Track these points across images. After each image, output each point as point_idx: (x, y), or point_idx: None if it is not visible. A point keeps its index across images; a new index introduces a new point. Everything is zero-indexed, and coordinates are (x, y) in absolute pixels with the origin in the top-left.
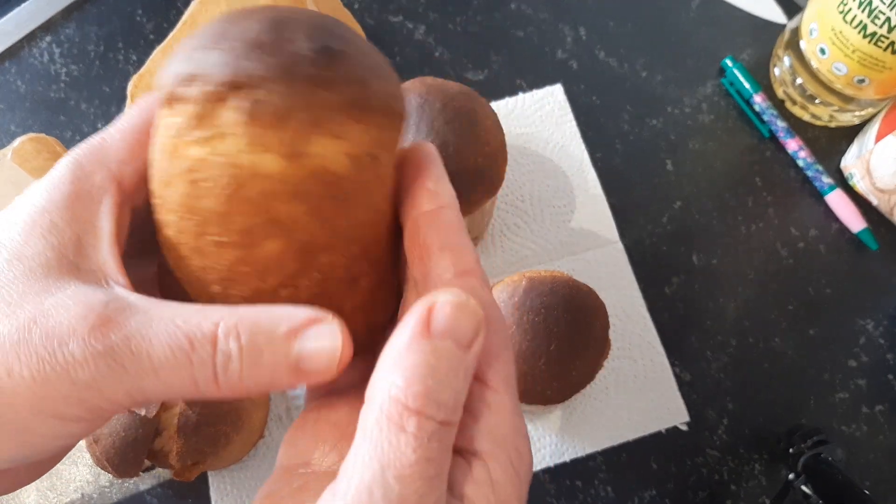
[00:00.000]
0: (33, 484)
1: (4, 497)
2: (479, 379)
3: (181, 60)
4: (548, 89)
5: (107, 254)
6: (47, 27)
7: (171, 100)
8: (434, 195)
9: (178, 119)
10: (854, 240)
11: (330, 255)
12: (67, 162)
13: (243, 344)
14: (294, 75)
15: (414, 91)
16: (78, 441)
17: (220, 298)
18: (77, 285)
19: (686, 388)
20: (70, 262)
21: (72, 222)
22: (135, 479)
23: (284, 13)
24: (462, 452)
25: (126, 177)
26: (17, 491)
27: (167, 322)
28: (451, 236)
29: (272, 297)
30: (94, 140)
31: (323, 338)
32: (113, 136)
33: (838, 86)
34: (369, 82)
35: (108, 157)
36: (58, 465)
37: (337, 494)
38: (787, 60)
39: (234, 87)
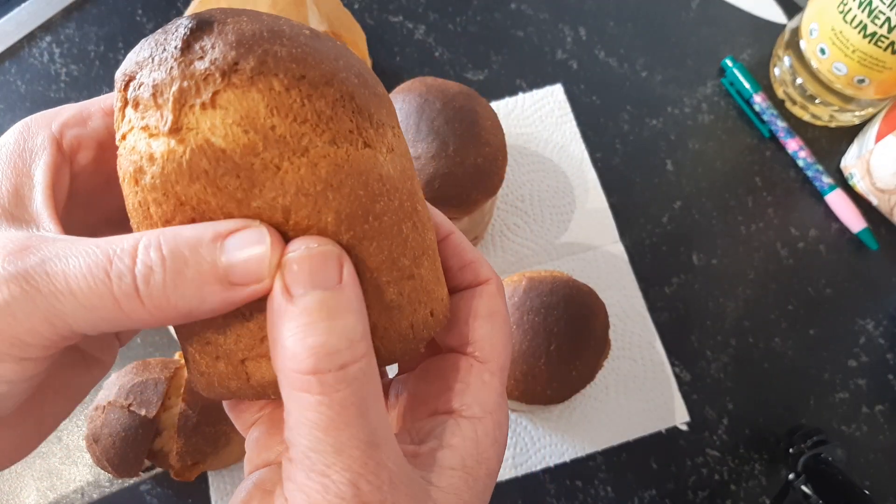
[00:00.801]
0: (33, 484)
1: (4, 496)
2: (481, 361)
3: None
4: (548, 89)
5: (40, 204)
6: (47, 27)
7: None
8: (439, 226)
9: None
10: (854, 240)
11: None
12: (19, 124)
13: (165, 254)
14: (165, 52)
15: (414, 91)
16: (22, 393)
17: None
18: (7, 229)
19: (686, 388)
20: (6, 210)
21: (11, 176)
22: (135, 479)
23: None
24: (454, 413)
25: (66, 138)
26: (17, 491)
27: (87, 244)
28: (466, 255)
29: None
30: (51, 109)
31: (250, 242)
32: (69, 106)
33: (838, 86)
34: (257, 46)
35: (53, 121)
36: (58, 466)
37: (293, 462)
38: (787, 60)
39: (128, 79)
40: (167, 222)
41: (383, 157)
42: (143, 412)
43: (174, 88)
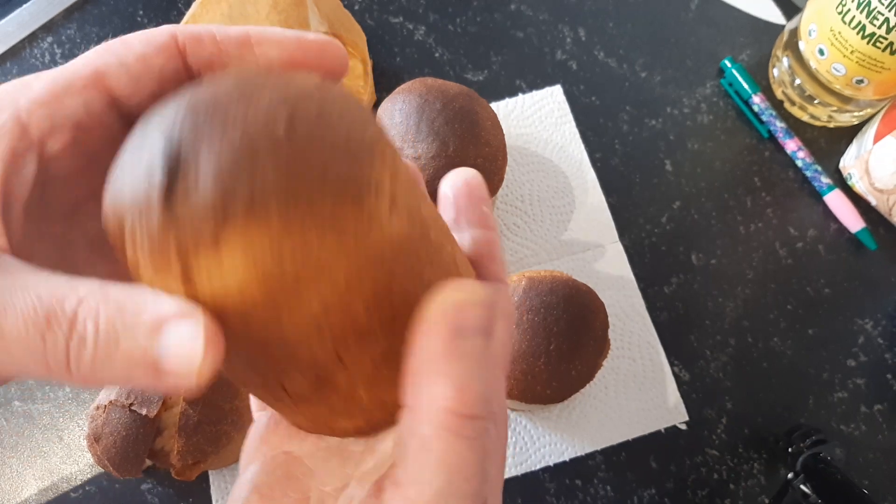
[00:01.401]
0: (34, 483)
1: (5, 495)
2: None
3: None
4: (547, 90)
5: None
6: (48, 28)
7: None
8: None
9: None
10: (853, 240)
11: (301, 350)
12: None
13: (100, 329)
14: (149, 207)
15: (414, 91)
16: None
17: (253, 392)
18: None
19: (685, 388)
20: None
21: None
22: (136, 478)
23: (172, 98)
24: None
25: (35, 119)
26: (18, 489)
27: (30, 292)
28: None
29: (282, 389)
30: (27, 77)
31: (183, 337)
32: (42, 76)
33: (837, 86)
34: (241, 180)
35: (19, 95)
36: (59, 465)
37: (410, 500)
38: (785, 61)
39: (119, 222)
40: None
41: (387, 218)
42: (144, 411)
43: (174, 247)
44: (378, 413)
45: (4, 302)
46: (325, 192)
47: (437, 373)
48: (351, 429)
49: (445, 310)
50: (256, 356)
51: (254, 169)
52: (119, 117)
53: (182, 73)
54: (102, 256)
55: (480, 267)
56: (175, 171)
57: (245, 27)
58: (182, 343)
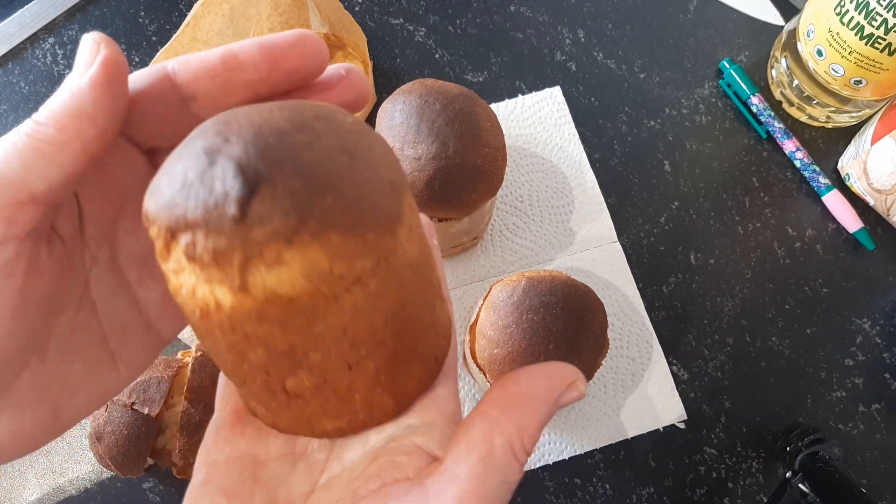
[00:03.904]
0: (35, 482)
1: (6, 494)
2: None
3: (150, 190)
4: (547, 91)
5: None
6: (50, 28)
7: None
8: None
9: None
10: (851, 240)
11: (318, 353)
12: None
13: None
14: (220, 218)
15: (414, 92)
16: (11, 314)
17: (242, 388)
18: None
19: (684, 387)
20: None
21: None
22: (137, 476)
23: (224, 128)
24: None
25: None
26: (19, 488)
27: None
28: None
29: (282, 387)
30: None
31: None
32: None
33: (835, 87)
34: (313, 206)
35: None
36: (60, 463)
37: (454, 478)
38: (784, 62)
39: (174, 230)
40: (231, 346)
41: (408, 242)
42: (145, 410)
43: (238, 256)
44: (362, 414)
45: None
46: (372, 222)
47: (528, 409)
48: (332, 429)
49: (564, 379)
50: (277, 354)
51: (323, 197)
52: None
53: (174, 94)
54: None
55: None
56: (252, 189)
57: (224, 46)
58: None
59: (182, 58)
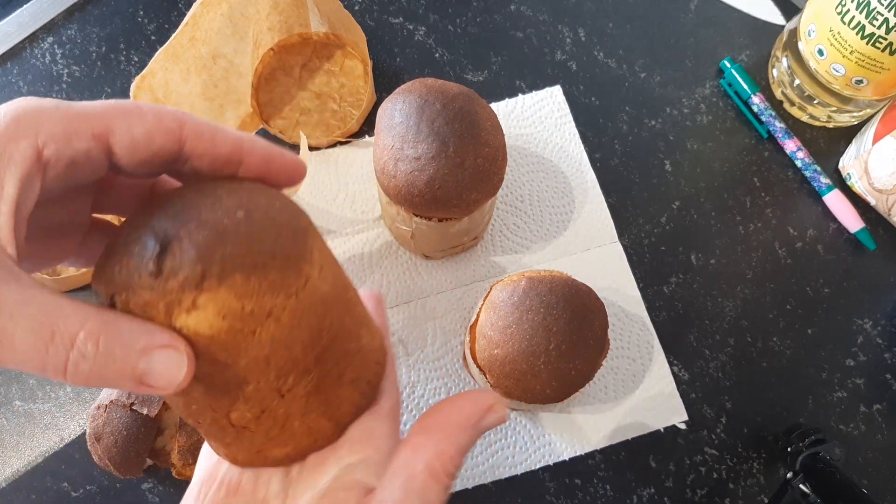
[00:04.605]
0: (35, 483)
1: (5, 494)
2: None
3: (95, 271)
4: (547, 90)
5: (3, 218)
6: (49, 28)
7: None
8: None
9: None
10: (852, 239)
11: (250, 385)
12: (4, 114)
13: (100, 350)
14: (142, 277)
15: (414, 92)
16: None
17: (200, 429)
18: None
19: (684, 387)
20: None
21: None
22: (136, 477)
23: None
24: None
25: (47, 151)
26: (20, 489)
27: (37, 307)
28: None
29: (228, 421)
30: (47, 103)
31: (172, 363)
32: (58, 111)
33: (836, 87)
34: (214, 254)
35: (40, 128)
36: (59, 464)
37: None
38: (785, 61)
39: (110, 296)
40: None
41: (318, 279)
42: (144, 411)
43: (162, 306)
44: (305, 439)
45: (15, 312)
46: (274, 263)
47: (449, 437)
48: (282, 456)
49: (483, 406)
50: (215, 390)
51: (223, 247)
52: (107, 163)
53: (176, 155)
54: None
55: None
56: (163, 253)
57: (240, 134)
58: (169, 366)
59: (198, 129)
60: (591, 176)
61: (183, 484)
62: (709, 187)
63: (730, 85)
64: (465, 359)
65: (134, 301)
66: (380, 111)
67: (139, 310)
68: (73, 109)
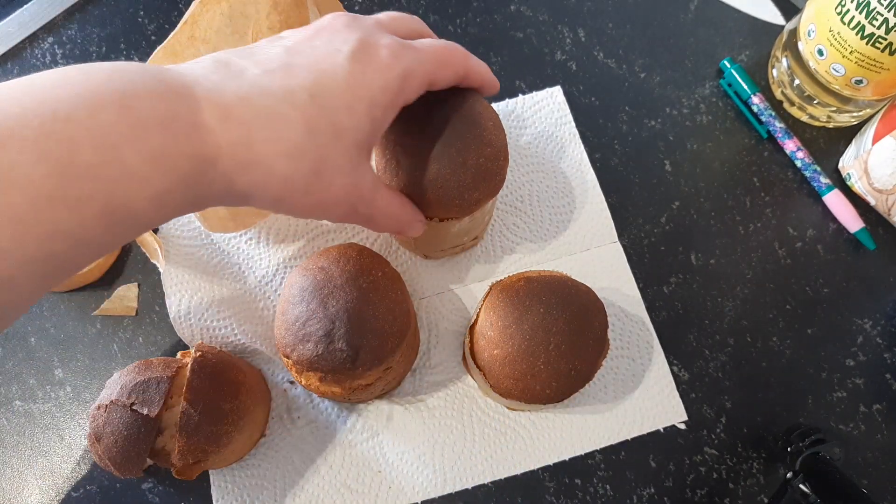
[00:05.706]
0: (35, 482)
1: (6, 495)
2: None
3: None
4: (547, 91)
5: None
6: (49, 28)
7: None
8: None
9: None
10: (852, 240)
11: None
12: (398, 75)
13: (386, 213)
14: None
15: None
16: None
17: None
18: (366, 167)
19: (684, 387)
20: (369, 144)
21: (389, 116)
22: (136, 477)
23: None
24: None
25: (408, 98)
26: (19, 489)
27: (394, 206)
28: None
29: None
30: (415, 66)
31: (421, 227)
32: (416, 64)
33: (836, 87)
34: (375, 351)
35: (427, 63)
36: (59, 464)
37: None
38: (785, 61)
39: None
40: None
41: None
42: (145, 411)
43: (348, 381)
44: None
45: (384, 210)
46: (385, 353)
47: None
48: None
49: None
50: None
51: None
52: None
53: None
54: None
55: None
56: (355, 353)
57: (469, 63)
58: (417, 227)
59: (471, 66)
60: (591, 176)
61: (183, 484)
62: (708, 187)
63: (729, 85)
64: (464, 359)
65: (332, 378)
66: None
67: (331, 378)
68: (424, 65)
